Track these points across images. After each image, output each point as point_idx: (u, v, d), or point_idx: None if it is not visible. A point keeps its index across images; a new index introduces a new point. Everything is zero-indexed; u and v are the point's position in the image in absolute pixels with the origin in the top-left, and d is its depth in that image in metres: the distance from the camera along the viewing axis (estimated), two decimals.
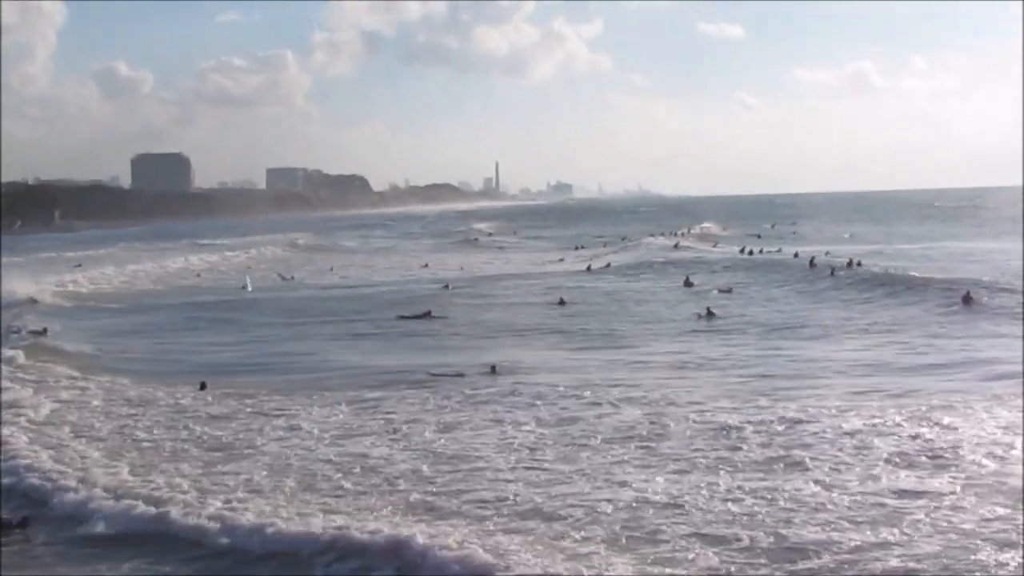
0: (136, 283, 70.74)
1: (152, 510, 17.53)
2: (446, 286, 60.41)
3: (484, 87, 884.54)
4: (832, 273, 55.12)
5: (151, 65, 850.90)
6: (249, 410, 26.26)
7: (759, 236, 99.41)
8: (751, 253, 76.51)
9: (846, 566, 14.35)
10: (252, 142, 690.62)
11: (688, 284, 56.58)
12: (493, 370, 30.37)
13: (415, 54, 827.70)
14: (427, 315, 44.98)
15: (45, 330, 43.00)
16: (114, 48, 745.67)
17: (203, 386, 29.89)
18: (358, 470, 19.93)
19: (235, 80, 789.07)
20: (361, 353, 36.18)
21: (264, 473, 19.90)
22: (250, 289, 62.92)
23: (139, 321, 48.59)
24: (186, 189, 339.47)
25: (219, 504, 17.68)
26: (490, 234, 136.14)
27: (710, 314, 42.46)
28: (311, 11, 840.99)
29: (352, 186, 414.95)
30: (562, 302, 48.98)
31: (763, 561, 14.58)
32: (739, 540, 15.31)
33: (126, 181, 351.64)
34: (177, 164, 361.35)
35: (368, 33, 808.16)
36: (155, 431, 24.04)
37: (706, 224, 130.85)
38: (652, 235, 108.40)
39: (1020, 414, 22.11)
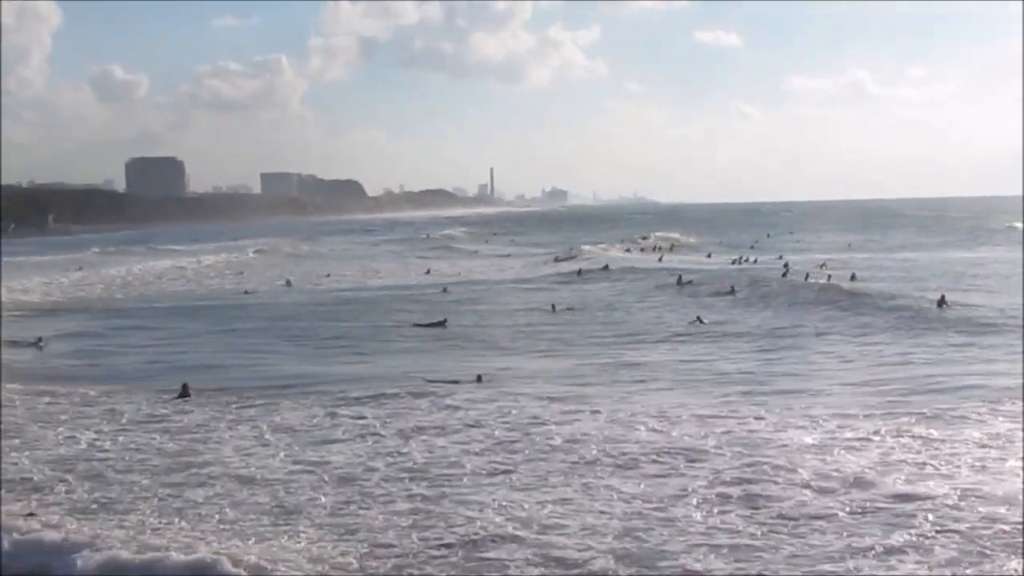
0: (126, 287, 70.08)
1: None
2: (444, 289, 60.48)
3: (480, 93, 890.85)
4: (806, 278, 55.41)
5: (147, 69, 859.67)
6: (228, 417, 25.34)
7: (752, 247, 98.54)
8: (744, 262, 76.69)
9: (866, 569, 14.09)
10: (247, 147, 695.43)
11: (681, 283, 57.20)
12: (479, 379, 29.55)
13: (412, 59, 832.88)
14: (443, 323, 43.87)
15: (40, 340, 40.50)
16: (110, 52, 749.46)
17: (184, 392, 28.39)
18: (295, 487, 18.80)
19: (231, 84, 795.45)
20: (359, 359, 35.68)
21: (159, 490, 18.72)
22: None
23: (126, 326, 47.26)
24: (180, 193, 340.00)
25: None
26: (486, 241, 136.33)
27: (699, 320, 42.48)
28: (307, 16, 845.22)
29: (347, 191, 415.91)
30: (553, 308, 48.79)
31: (782, 567, 14.27)
32: (753, 548, 14.93)
33: (120, 185, 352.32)
34: (172, 168, 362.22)
35: (364, 38, 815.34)
36: (116, 441, 22.72)
37: (666, 233, 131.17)
38: (623, 243, 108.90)
39: (1005, 423, 21.95)
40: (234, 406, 26.69)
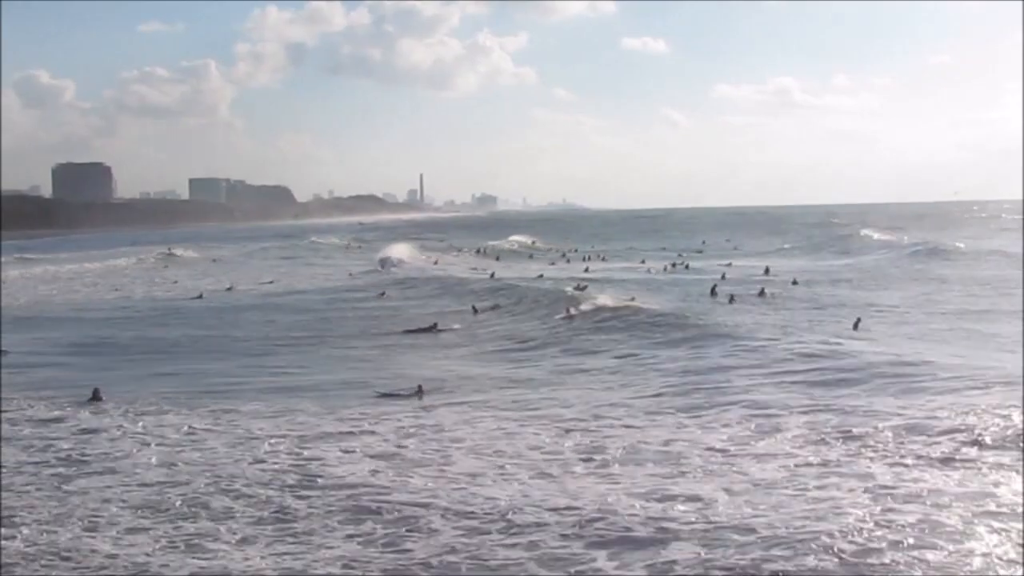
0: (52, 295, 70.23)
1: None
2: (382, 293, 62.10)
3: (410, 99, 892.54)
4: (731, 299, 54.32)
5: (72, 74, 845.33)
6: (121, 427, 25.06)
7: (680, 254, 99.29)
8: (687, 267, 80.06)
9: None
10: (175, 153, 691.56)
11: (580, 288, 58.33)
12: (419, 391, 28.96)
13: (340, 65, 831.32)
14: (433, 328, 44.11)
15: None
16: (34, 56, 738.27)
17: (95, 396, 28.29)
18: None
19: (158, 90, 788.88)
20: (306, 367, 35.60)
21: None
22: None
23: (55, 335, 45.90)
24: (108, 199, 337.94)
25: None
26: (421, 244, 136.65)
27: (569, 315, 44.57)
28: (233, 22, 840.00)
29: (276, 197, 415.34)
30: (474, 310, 50.40)
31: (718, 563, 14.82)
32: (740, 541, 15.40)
33: (47, 191, 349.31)
34: (99, 174, 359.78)
35: (292, 44, 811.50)
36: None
37: (518, 236, 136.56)
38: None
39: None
40: (132, 413, 26.59)
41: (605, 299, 47.80)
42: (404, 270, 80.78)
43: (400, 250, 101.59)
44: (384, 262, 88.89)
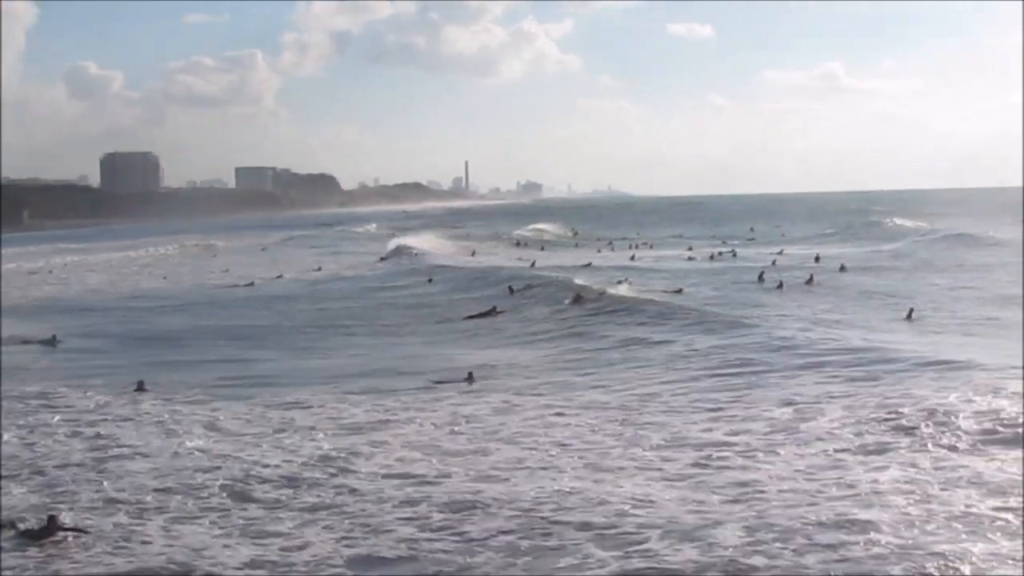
0: (102, 284, 71.36)
1: None
2: (429, 280, 61.49)
3: (454, 87, 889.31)
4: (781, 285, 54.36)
5: (120, 65, 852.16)
6: (159, 416, 25.18)
7: (724, 242, 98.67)
8: (734, 255, 79.37)
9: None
10: (222, 142, 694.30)
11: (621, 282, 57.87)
12: (470, 377, 29.19)
13: (385, 53, 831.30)
14: (493, 311, 44.53)
15: (54, 337, 39.46)
16: (83, 48, 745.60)
17: (140, 387, 28.31)
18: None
19: (205, 80, 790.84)
20: (356, 354, 36.10)
21: None
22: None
23: (101, 327, 46.17)
24: (155, 188, 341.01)
25: None
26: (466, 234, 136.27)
27: (578, 299, 45.09)
28: (280, 12, 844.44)
29: (321, 185, 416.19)
30: (511, 290, 50.59)
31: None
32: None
33: (95, 180, 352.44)
34: (146, 163, 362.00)
35: (337, 33, 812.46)
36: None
37: (544, 224, 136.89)
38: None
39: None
40: (176, 402, 26.80)
41: (623, 290, 47.97)
42: (437, 259, 79.46)
43: (423, 240, 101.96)
44: (397, 251, 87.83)
